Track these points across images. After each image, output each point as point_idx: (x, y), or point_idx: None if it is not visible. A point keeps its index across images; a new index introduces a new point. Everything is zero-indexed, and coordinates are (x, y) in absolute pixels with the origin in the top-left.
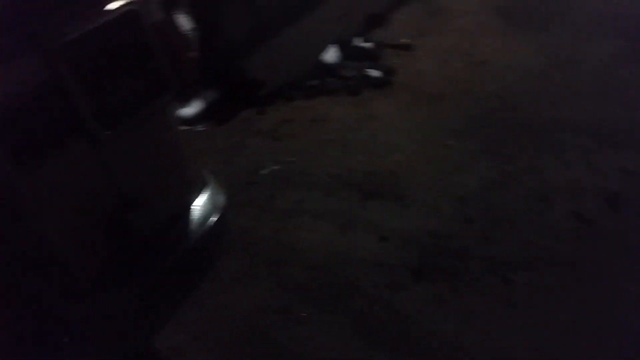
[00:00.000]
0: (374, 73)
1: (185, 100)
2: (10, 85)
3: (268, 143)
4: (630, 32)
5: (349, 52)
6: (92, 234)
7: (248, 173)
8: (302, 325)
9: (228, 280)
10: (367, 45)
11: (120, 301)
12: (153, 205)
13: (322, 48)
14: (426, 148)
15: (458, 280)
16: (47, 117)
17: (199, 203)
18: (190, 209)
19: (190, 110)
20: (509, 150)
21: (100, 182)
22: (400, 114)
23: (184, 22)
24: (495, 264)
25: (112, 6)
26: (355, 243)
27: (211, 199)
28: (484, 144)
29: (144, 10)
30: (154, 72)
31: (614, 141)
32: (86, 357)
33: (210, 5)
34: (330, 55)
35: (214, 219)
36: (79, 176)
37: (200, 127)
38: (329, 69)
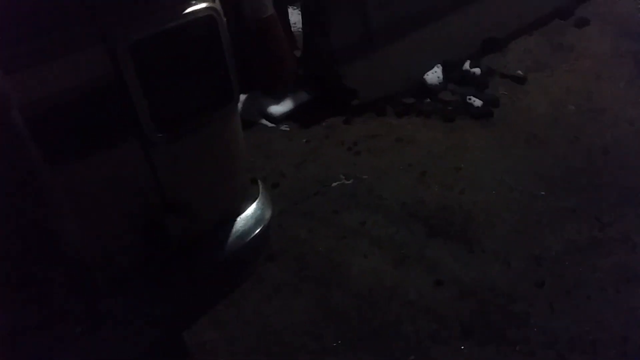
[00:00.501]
0: (476, 101)
1: (277, 97)
2: (71, 77)
3: (346, 155)
4: None
5: (454, 75)
6: (129, 233)
7: (318, 182)
8: (330, 356)
9: (271, 288)
10: (476, 70)
11: (149, 296)
12: (195, 213)
13: (426, 67)
14: (512, 193)
15: (509, 348)
16: (104, 112)
17: (245, 215)
18: (234, 220)
19: (279, 108)
20: (604, 215)
21: (146, 184)
22: (493, 151)
23: (294, 18)
24: (554, 338)
25: (189, 9)
26: (408, 281)
27: (257, 212)
28: (577, 202)
29: (221, 17)
30: (221, 81)
31: None
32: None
33: (321, 7)
34: (433, 75)
35: (255, 232)
36: (125, 174)
37: (284, 127)
38: (428, 89)
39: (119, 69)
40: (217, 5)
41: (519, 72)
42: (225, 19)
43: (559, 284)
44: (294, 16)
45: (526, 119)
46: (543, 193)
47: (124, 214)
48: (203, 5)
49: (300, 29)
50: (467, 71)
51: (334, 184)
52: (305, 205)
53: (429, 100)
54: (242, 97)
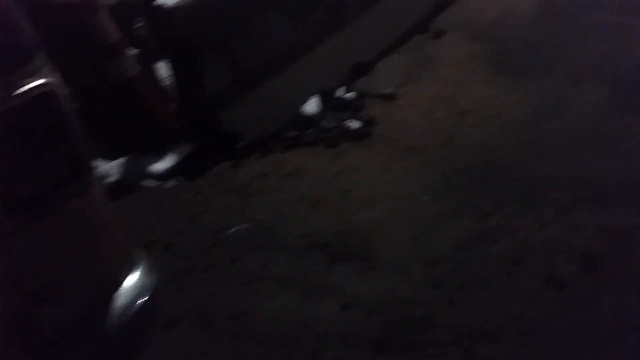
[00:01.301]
0: (354, 124)
1: (158, 155)
2: None
3: (238, 199)
4: (616, 82)
5: (330, 103)
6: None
7: (213, 233)
8: None
9: (176, 357)
10: (349, 95)
11: None
12: (68, 297)
13: (303, 99)
14: (401, 204)
15: (420, 355)
16: None
17: (125, 287)
18: (113, 295)
19: (162, 164)
20: (486, 208)
21: (6, 277)
22: (377, 168)
23: (164, 73)
24: (459, 334)
25: (24, 88)
26: (317, 311)
27: (140, 281)
28: (460, 200)
29: (61, 90)
30: (69, 156)
31: (594, 197)
32: None
33: (190, 57)
34: (311, 106)
35: (140, 303)
36: None
37: (171, 183)
38: (308, 120)
39: None
40: (55, 79)
41: (389, 89)
42: (68, 90)
43: (454, 281)
44: (163, 70)
45: (402, 132)
46: (427, 198)
47: None
48: (38, 82)
49: (171, 82)
50: (341, 97)
51: (230, 232)
52: (203, 260)
53: (311, 130)
54: (121, 160)
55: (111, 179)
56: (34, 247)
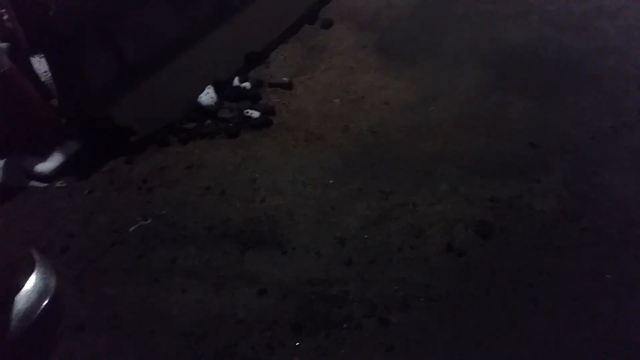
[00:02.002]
0: (254, 113)
1: (42, 154)
2: None
3: (137, 195)
4: (492, 65)
5: (227, 93)
6: None
7: (113, 232)
8: None
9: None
10: (246, 84)
11: None
12: None
13: (198, 89)
14: (306, 189)
15: (338, 329)
16: None
17: (24, 291)
18: (11, 301)
19: (48, 164)
20: (385, 187)
21: None
22: (280, 155)
23: (41, 67)
24: (373, 306)
25: None
26: (232, 301)
27: (39, 284)
28: (362, 181)
29: None
30: None
31: (482, 171)
32: None
33: (67, 50)
34: (207, 96)
35: (42, 306)
36: None
37: (60, 183)
38: (206, 110)
39: None
40: None
41: (285, 79)
42: None
43: (363, 257)
44: (40, 64)
45: (301, 120)
46: (332, 181)
47: None
48: None
49: (50, 77)
50: (237, 87)
51: (132, 229)
52: (105, 260)
53: (209, 121)
54: (1, 162)
55: None
56: None
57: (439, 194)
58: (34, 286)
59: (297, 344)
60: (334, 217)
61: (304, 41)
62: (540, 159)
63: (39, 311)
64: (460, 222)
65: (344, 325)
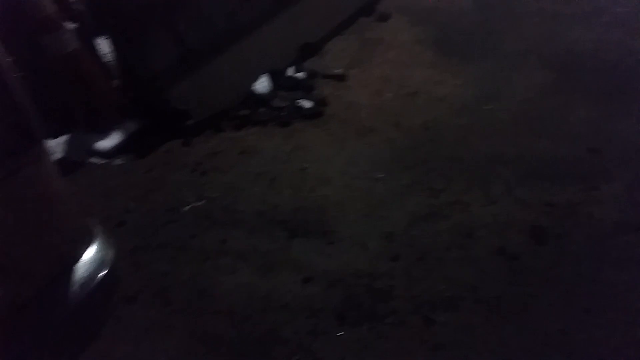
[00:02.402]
0: (306, 104)
1: (103, 132)
2: None
3: (191, 177)
4: (553, 65)
5: (281, 82)
6: None
7: (168, 211)
8: None
9: (137, 332)
10: (300, 75)
11: None
12: (24, 270)
13: (253, 77)
14: (355, 182)
15: (381, 323)
16: None
17: (83, 261)
18: (71, 270)
19: (108, 142)
20: (437, 184)
21: None
22: (331, 146)
23: (105, 49)
24: (418, 303)
25: None
26: (278, 286)
27: (97, 255)
28: (412, 177)
29: (3, 58)
30: (16, 125)
31: (540, 175)
32: None
33: (132, 33)
34: (262, 85)
35: (99, 276)
36: None
37: (118, 161)
38: (260, 99)
39: None
40: None
41: (338, 70)
42: (10, 59)
43: (411, 253)
44: (105, 46)
45: (353, 112)
46: (381, 175)
47: None
48: None
49: (113, 58)
50: (292, 77)
51: (185, 209)
52: (159, 237)
53: (263, 109)
54: (65, 137)
55: (55, 157)
56: None
57: (493, 195)
58: (92, 257)
59: (340, 333)
60: (382, 212)
61: (359, 33)
62: (600, 166)
63: (96, 281)
64: (514, 225)
65: (388, 320)
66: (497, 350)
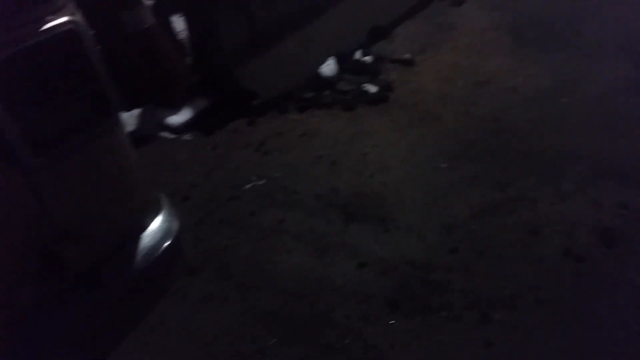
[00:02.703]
0: (371, 88)
1: (174, 108)
2: None
3: (255, 156)
4: (636, 58)
5: (347, 65)
6: (21, 269)
7: (230, 187)
8: (265, 357)
9: (196, 302)
10: (367, 59)
11: (57, 331)
12: (92, 237)
13: (320, 60)
14: (417, 170)
15: (435, 315)
16: None
17: (150, 230)
18: (138, 237)
19: (178, 118)
20: (504, 178)
21: (32, 214)
22: (393, 133)
23: (179, 26)
24: (475, 299)
25: (48, 25)
26: (332, 269)
27: (164, 225)
28: (477, 169)
29: (84, 29)
30: (95, 96)
31: (615, 174)
32: None
33: (206, 11)
34: (328, 67)
35: (164, 246)
36: (6, 207)
37: (187, 137)
38: (325, 81)
39: None
40: (79, 18)
41: (407, 55)
42: (91, 31)
43: (471, 247)
44: (179, 24)
45: (419, 99)
46: (444, 165)
47: (12, 250)
48: (63, 19)
49: (186, 36)
50: (359, 60)
51: (247, 187)
52: (221, 212)
53: (327, 92)
54: (138, 111)
55: (127, 130)
56: (60, 184)
57: (563, 192)
58: (159, 227)
59: (392, 322)
60: (443, 202)
61: (431, 18)
62: None
63: (160, 251)
64: (583, 226)
65: (442, 314)
66: (552, 354)
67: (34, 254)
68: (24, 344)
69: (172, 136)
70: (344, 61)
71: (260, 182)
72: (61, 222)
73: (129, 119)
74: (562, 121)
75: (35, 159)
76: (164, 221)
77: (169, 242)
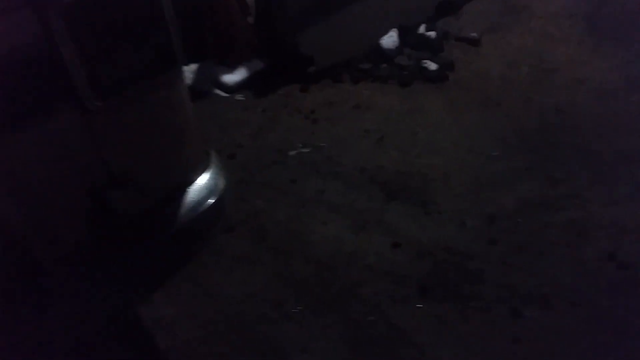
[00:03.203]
0: (431, 65)
1: (231, 66)
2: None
3: (303, 123)
4: None
5: (410, 39)
6: (72, 209)
7: (276, 151)
8: (291, 322)
9: (229, 260)
10: (431, 34)
11: (98, 273)
12: (142, 186)
13: (382, 31)
14: (468, 155)
15: (465, 305)
16: (37, 79)
17: (197, 185)
18: (185, 191)
19: (233, 77)
20: (557, 173)
21: (86, 155)
22: (448, 114)
23: None
24: (508, 293)
25: None
26: (367, 245)
27: (210, 183)
28: (531, 161)
29: None
30: (162, 45)
31: None
32: (70, 319)
33: None
34: (389, 39)
35: (209, 202)
36: (64, 147)
37: (239, 97)
38: (384, 54)
39: (51, 34)
40: None
41: (473, 34)
42: None
43: (512, 241)
44: None
45: (480, 82)
46: (497, 153)
47: (65, 190)
48: None
49: None
50: (422, 35)
51: (292, 153)
52: (263, 175)
53: (385, 65)
54: (195, 66)
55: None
56: (118, 130)
57: (618, 195)
58: (206, 183)
59: (420, 305)
60: (489, 191)
61: None
62: None
63: (205, 207)
64: (633, 233)
65: (473, 304)
66: (580, 358)
67: (85, 196)
68: (73, 281)
69: (225, 94)
70: (406, 34)
71: (306, 150)
72: (114, 167)
73: (186, 72)
74: (628, 120)
75: (97, 102)
76: (211, 178)
77: (214, 200)
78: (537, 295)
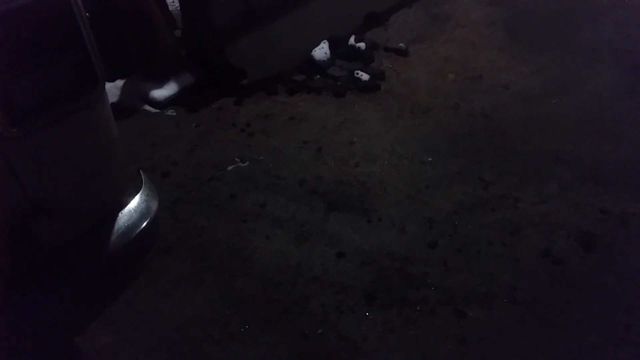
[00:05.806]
0: (363, 76)
1: (159, 81)
2: None
3: (239, 137)
4: (631, 65)
5: (341, 51)
6: None
7: (212, 167)
8: (238, 343)
9: (169, 283)
10: (361, 45)
11: (28, 306)
12: (67, 213)
13: (313, 43)
14: (403, 162)
15: (411, 309)
16: None
17: (128, 209)
18: (115, 216)
19: (163, 92)
20: (487, 175)
21: (3, 185)
22: (382, 123)
23: None
24: (451, 295)
25: None
26: (312, 257)
27: (141, 205)
28: (462, 165)
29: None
30: (81, 65)
31: (598, 180)
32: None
33: None
34: (321, 51)
35: (140, 226)
36: None
37: (170, 112)
38: (317, 65)
39: None
40: None
41: (401, 44)
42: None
43: (450, 243)
44: None
45: (410, 90)
46: (430, 159)
47: None
48: None
49: (178, 8)
50: (352, 46)
51: (230, 168)
52: (201, 192)
53: (318, 76)
54: (120, 82)
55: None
56: (37, 156)
57: (546, 194)
58: (137, 206)
59: (367, 314)
60: (426, 196)
61: (428, 8)
62: None
63: (137, 231)
64: (563, 228)
65: (418, 308)
66: (524, 353)
67: (6, 228)
68: None
69: (155, 110)
70: (337, 46)
71: (244, 164)
72: (35, 196)
73: (112, 89)
74: (550, 122)
75: (11, 128)
76: (142, 200)
77: (147, 223)
78: (478, 294)
